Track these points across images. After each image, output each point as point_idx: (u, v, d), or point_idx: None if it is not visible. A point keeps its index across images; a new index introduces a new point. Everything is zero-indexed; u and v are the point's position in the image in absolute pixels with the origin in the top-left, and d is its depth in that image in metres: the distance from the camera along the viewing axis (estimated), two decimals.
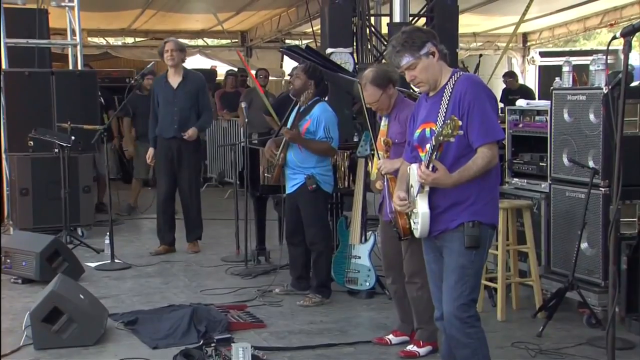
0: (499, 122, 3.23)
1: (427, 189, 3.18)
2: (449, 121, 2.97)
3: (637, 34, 2.68)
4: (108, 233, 6.61)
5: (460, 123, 2.97)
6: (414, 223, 3.26)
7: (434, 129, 3.18)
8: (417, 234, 3.28)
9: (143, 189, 9.43)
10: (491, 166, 3.16)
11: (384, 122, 4.44)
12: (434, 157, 3.08)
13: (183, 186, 6.96)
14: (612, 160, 2.85)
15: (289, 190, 5.39)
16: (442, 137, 2.98)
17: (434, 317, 3.48)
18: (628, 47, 2.61)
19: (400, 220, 4.24)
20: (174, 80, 6.84)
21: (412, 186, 3.28)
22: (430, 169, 3.10)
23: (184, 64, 6.94)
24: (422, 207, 3.19)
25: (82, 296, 4.66)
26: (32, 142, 7.40)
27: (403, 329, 4.55)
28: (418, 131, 3.32)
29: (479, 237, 3.17)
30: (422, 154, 3.25)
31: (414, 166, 3.22)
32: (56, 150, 7.25)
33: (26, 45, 8.14)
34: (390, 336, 4.55)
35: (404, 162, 3.49)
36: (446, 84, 3.25)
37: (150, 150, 7.04)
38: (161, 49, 6.86)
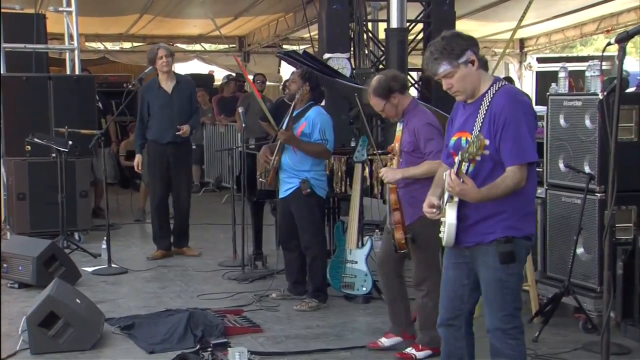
0: (534, 140, 3.11)
1: (456, 199, 3.12)
2: (475, 139, 2.92)
3: (633, 40, 2.69)
4: (105, 238, 6.61)
5: (486, 142, 2.92)
6: (441, 232, 3.21)
7: (469, 139, 3.11)
8: (442, 242, 3.23)
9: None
10: (520, 187, 3.08)
11: (399, 128, 4.42)
12: (462, 170, 3.02)
13: (179, 192, 6.99)
14: (608, 166, 2.86)
15: (282, 194, 5.39)
16: (467, 154, 2.95)
17: (437, 323, 3.46)
18: (622, 54, 2.62)
19: (396, 233, 4.26)
20: (168, 85, 6.87)
21: (446, 191, 3.20)
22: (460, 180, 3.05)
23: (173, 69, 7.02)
24: (449, 217, 3.13)
25: (78, 301, 4.66)
26: (29, 147, 7.39)
27: (394, 330, 4.57)
28: (454, 138, 3.25)
29: (513, 252, 3.11)
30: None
31: (468, 178, 3.12)
32: (53, 154, 7.25)
33: (24, 50, 8.14)
34: (383, 339, 4.56)
35: (442, 165, 3.41)
36: (485, 93, 3.14)
37: (139, 157, 7.01)
38: (152, 56, 6.85)
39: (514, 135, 3.05)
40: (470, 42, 3.18)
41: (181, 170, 6.96)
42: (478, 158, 2.98)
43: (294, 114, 5.27)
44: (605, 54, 2.85)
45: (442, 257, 3.47)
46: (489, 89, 3.15)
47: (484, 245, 3.16)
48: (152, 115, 6.87)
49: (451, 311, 3.35)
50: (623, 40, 2.63)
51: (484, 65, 3.22)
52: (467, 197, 3.07)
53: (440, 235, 3.21)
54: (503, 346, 3.19)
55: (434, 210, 3.22)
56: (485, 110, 3.11)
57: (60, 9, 8.53)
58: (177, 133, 6.73)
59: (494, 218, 3.13)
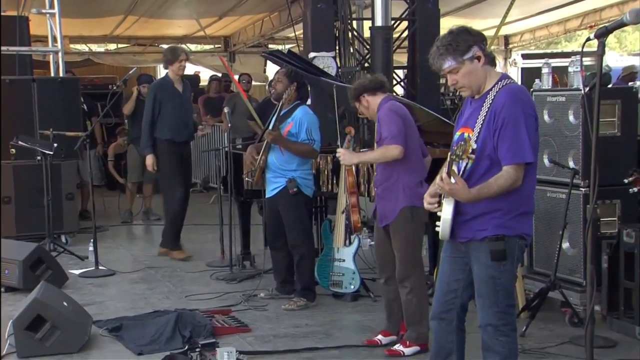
0: (534, 141, 3.10)
1: None
2: (462, 142, 2.95)
3: (617, 35, 2.71)
4: (92, 240, 6.59)
5: (473, 146, 2.97)
6: (438, 225, 3.23)
7: (470, 135, 3.14)
8: (439, 235, 3.26)
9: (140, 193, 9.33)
10: (514, 187, 3.08)
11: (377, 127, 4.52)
12: (454, 170, 3.03)
13: (187, 191, 7.11)
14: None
15: (269, 194, 5.40)
16: (454, 157, 2.97)
17: (429, 316, 3.46)
18: (601, 49, 2.64)
19: (353, 216, 4.32)
20: (179, 86, 6.99)
21: None
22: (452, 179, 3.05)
23: None
24: (445, 211, 3.14)
25: (65, 303, 4.65)
26: (14, 150, 7.36)
27: (390, 328, 4.59)
28: (458, 133, 3.26)
29: (504, 250, 3.11)
30: None
31: (460, 178, 3.12)
32: (39, 157, 7.21)
33: (7, 52, 8.08)
34: (380, 336, 4.59)
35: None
36: (490, 90, 3.14)
37: (153, 158, 6.90)
38: (173, 57, 6.87)
39: (512, 135, 3.05)
40: (478, 38, 3.16)
41: (189, 170, 7.20)
42: (465, 161, 3.00)
43: (281, 114, 5.28)
44: (585, 49, 2.86)
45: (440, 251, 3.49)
46: (494, 85, 3.15)
47: (476, 241, 3.17)
48: (165, 114, 6.84)
49: (444, 305, 3.36)
50: (602, 35, 2.65)
51: (491, 61, 3.20)
52: (457, 196, 3.08)
53: (437, 229, 3.23)
54: (494, 342, 3.20)
55: (434, 200, 3.21)
56: (488, 107, 3.11)
57: (43, 10, 8.47)
58: (200, 134, 7.22)
59: (487, 215, 3.14)
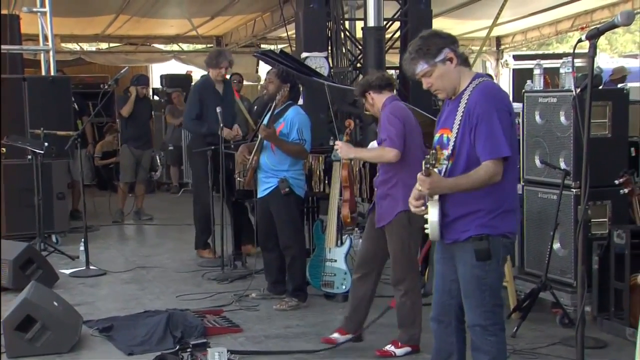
0: (511, 136, 3.12)
1: (435, 197, 3.15)
2: (434, 151, 2.98)
3: (607, 37, 2.72)
4: (83, 240, 6.56)
5: (444, 155, 3.03)
6: (426, 228, 3.24)
7: (449, 136, 3.17)
8: (429, 237, 3.26)
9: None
10: (493, 181, 3.09)
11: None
12: (431, 170, 3.04)
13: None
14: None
15: (260, 194, 5.39)
16: (428, 165, 2.99)
17: (429, 317, 3.46)
18: (593, 50, 2.65)
19: (344, 209, 4.34)
20: (219, 88, 6.89)
21: None
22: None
23: None
24: (431, 214, 3.16)
25: (56, 303, 4.63)
26: (4, 149, 7.32)
27: (347, 327, 4.57)
28: (437, 135, 3.28)
29: (488, 250, 3.11)
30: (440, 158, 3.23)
31: (434, 171, 3.14)
32: (29, 157, 7.18)
33: None
34: (336, 335, 4.56)
35: None
36: (464, 90, 3.17)
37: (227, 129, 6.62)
38: (215, 63, 6.75)
39: (487, 131, 3.08)
40: (448, 40, 3.20)
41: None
42: (439, 167, 3.03)
43: (274, 113, 5.28)
44: (577, 50, 2.87)
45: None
46: (469, 85, 3.18)
47: (460, 242, 3.19)
48: (206, 116, 6.69)
49: (441, 306, 3.37)
50: (593, 36, 2.66)
51: (464, 61, 3.22)
52: (436, 189, 3.09)
53: (426, 231, 3.24)
54: (482, 342, 3.20)
55: (420, 203, 3.21)
56: (464, 107, 3.13)
57: (34, 9, 8.45)
58: (235, 135, 6.76)
59: (470, 216, 3.15)
